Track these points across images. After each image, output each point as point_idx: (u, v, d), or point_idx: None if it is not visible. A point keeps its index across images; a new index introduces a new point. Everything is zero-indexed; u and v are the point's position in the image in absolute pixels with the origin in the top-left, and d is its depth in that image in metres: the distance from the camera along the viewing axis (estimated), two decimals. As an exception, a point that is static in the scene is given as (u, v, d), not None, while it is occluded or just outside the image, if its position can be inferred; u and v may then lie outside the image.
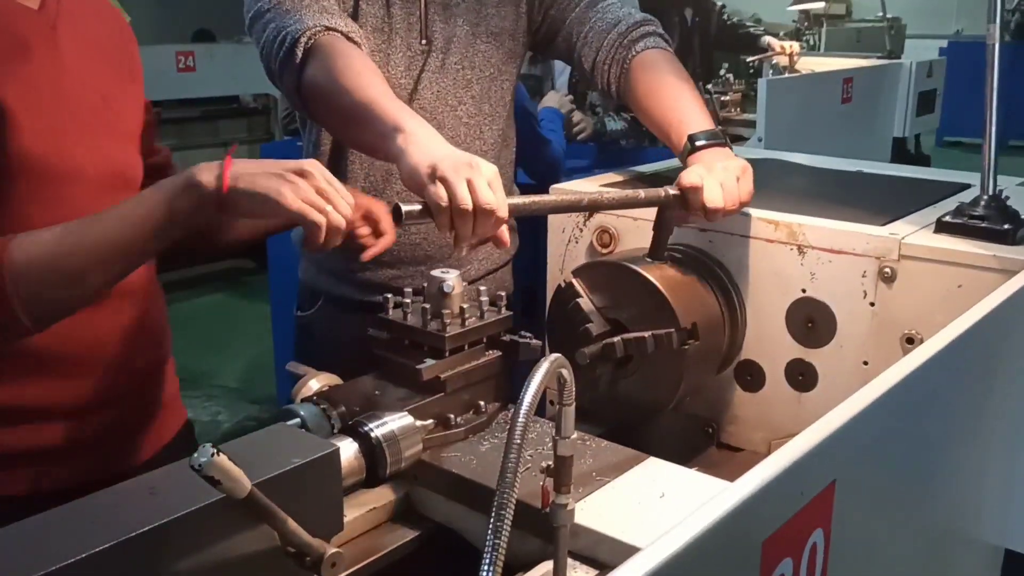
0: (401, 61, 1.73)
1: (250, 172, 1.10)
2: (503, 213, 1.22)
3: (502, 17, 1.81)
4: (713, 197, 1.39)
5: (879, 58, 5.69)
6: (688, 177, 1.42)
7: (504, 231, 1.26)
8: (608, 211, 1.63)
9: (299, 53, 1.50)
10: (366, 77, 1.45)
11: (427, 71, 1.74)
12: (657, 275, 1.42)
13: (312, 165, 1.13)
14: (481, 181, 1.20)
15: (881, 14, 6.65)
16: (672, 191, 1.42)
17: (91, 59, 1.33)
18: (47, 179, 1.24)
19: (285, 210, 1.09)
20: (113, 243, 1.13)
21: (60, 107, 1.27)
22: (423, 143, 1.28)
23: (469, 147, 1.76)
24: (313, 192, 1.11)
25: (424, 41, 1.73)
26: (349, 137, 1.61)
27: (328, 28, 1.51)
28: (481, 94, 1.81)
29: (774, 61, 4.88)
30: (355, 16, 1.69)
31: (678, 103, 1.62)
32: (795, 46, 5.08)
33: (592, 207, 1.41)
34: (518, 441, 0.84)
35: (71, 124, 1.28)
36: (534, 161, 2.88)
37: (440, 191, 1.20)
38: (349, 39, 1.53)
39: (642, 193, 1.43)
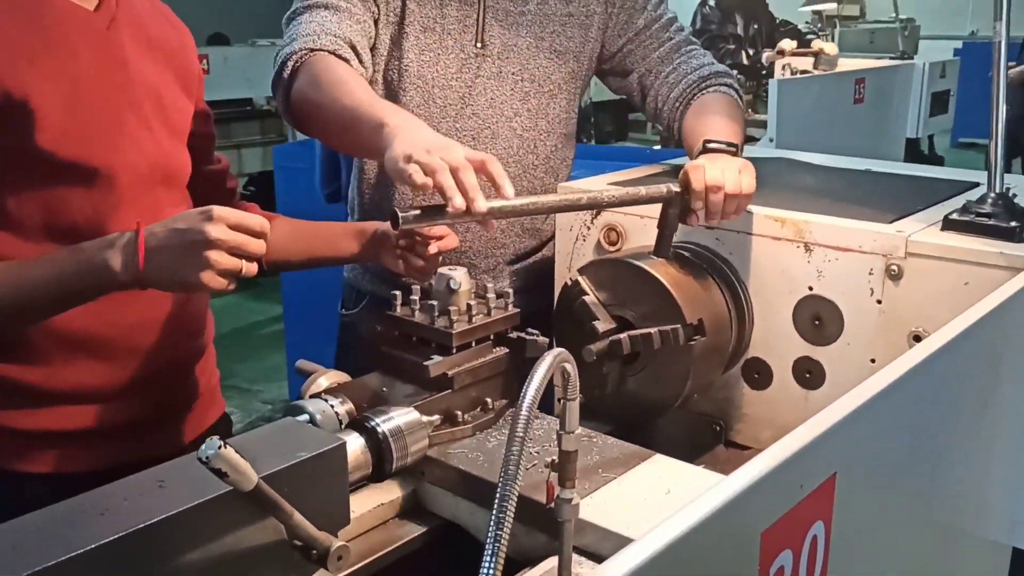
0: (453, 63, 1.72)
1: (160, 252, 1.13)
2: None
3: (568, 37, 1.80)
4: (714, 175, 1.40)
5: (892, 59, 5.68)
6: (691, 163, 1.45)
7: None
8: (613, 209, 1.63)
9: (286, 74, 1.55)
10: (349, 85, 1.47)
11: (481, 76, 1.74)
12: (662, 272, 1.42)
13: (217, 214, 1.12)
14: (456, 153, 1.21)
15: (894, 15, 6.64)
16: (675, 187, 1.43)
17: (147, 59, 1.37)
18: (88, 170, 1.27)
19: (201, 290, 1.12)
20: (39, 291, 1.18)
21: (107, 102, 1.30)
22: (405, 134, 1.28)
23: (521, 160, 1.78)
24: (225, 257, 1.11)
25: (479, 44, 1.73)
26: (343, 144, 1.64)
27: (313, 49, 1.55)
28: (538, 108, 1.79)
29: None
30: (403, 16, 1.70)
31: (710, 129, 1.63)
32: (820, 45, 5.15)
33: (592, 205, 1.42)
34: (520, 434, 0.84)
35: (119, 118, 1.31)
36: None
37: (414, 168, 1.20)
38: (337, 55, 1.56)
39: (643, 190, 1.43)
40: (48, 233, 1.26)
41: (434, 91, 1.72)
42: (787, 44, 4.86)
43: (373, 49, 1.69)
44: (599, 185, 1.74)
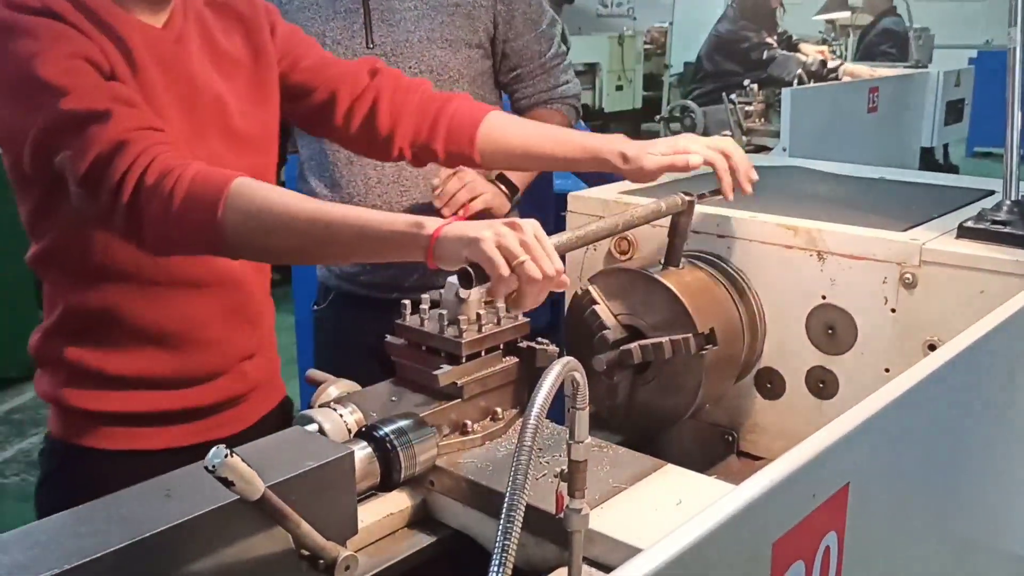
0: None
1: (464, 223, 1.13)
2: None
3: (457, 27, 1.91)
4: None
5: (906, 67, 5.65)
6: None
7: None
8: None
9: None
10: None
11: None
12: (673, 281, 1.41)
13: (525, 221, 1.12)
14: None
15: (909, 25, 6.61)
16: (688, 197, 1.43)
17: (213, 70, 1.42)
18: None
19: (481, 252, 1.08)
20: (324, 226, 1.19)
21: (166, 112, 1.34)
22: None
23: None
24: (516, 243, 1.09)
25: (370, 46, 1.85)
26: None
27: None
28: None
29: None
30: None
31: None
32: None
33: (627, 227, 1.42)
34: (528, 443, 0.84)
35: (180, 124, 1.35)
36: None
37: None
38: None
39: (663, 205, 1.44)
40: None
41: None
42: (863, 69, 4.95)
43: None
44: (611, 194, 1.73)
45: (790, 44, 5.47)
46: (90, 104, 1.21)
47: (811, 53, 5.20)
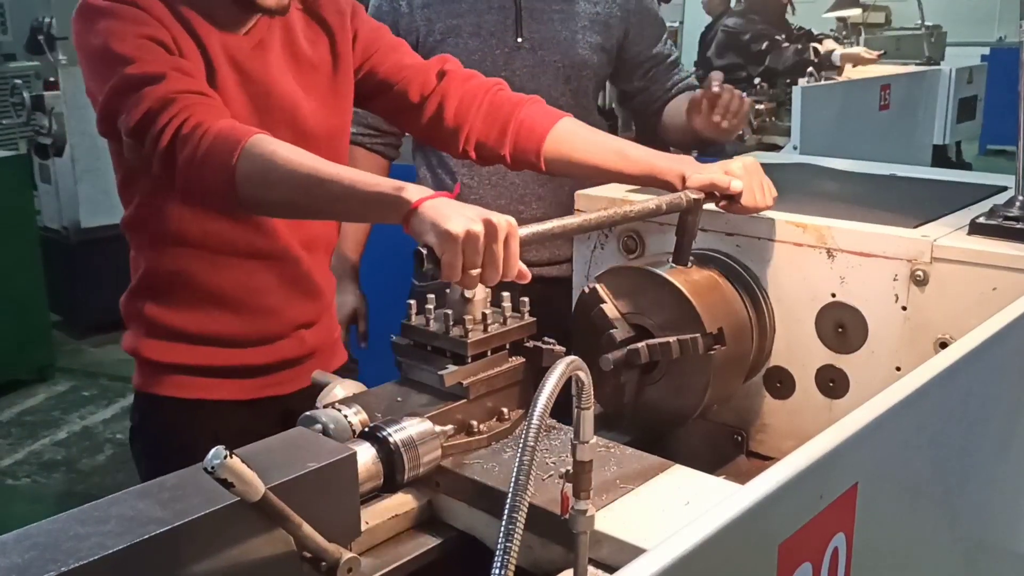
0: (500, 57, 2.05)
1: (446, 204, 1.17)
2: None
3: (596, 32, 2.12)
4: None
5: (917, 64, 5.62)
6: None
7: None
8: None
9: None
10: None
11: (527, 65, 2.06)
12: (681, 279, 1.40)
13: (502, 222, 1.15)
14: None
15: (920, 22, 6.57)
16: (692, 195, 1.42)
17: (289, 74, 1.56)
18: None
19: (443, 249, 1.13)
20: (323, 182, 1.27)
21: (237, 104, 1.48)
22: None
23: None
24: (479, 252, 1.13)
25: (519, 39, 2.06)
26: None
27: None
28: (577, 90, 2.12)
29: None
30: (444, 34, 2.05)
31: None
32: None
33: (617, 221, 1.41)
34: (531, 444, 0.82)
35: (248, 119, 1.46)
36: None
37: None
38: None
39: (663, 200, 1.43)
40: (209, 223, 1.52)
41: None
42: (863, 52, 4.91)
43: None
44: (617, 191, 1.72)
45: (810, 37, 5.45)
46: (149, 69, 1.36)
47: (834, 48, 5.18)
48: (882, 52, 5.58)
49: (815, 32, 5.72)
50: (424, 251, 1.14)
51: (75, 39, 1.45)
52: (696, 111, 1.96)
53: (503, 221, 1.15)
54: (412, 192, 1.19)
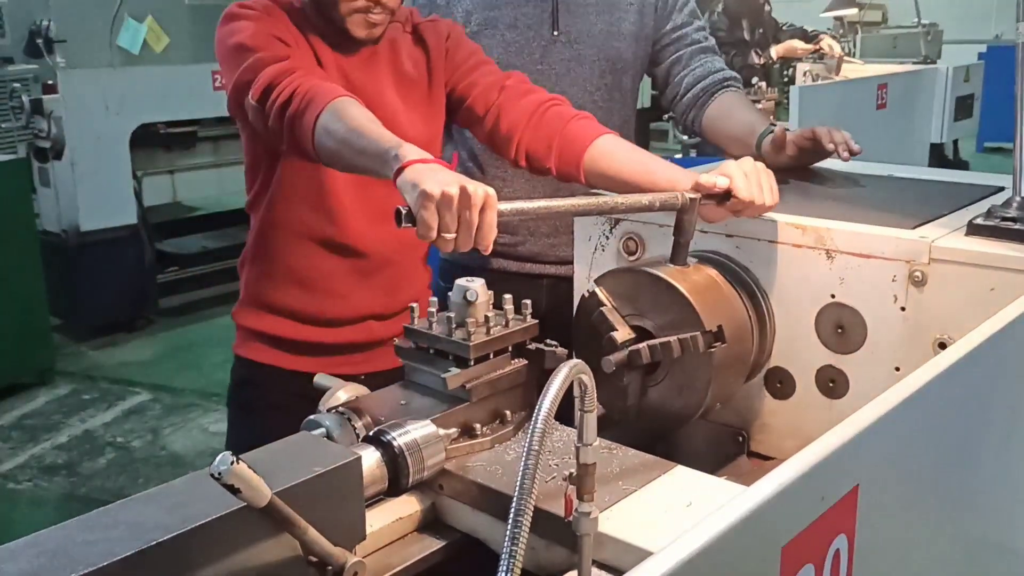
0: (536, 50, 2.07)
1: (430, 168, 1.27)
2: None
3: (631, 22, 2.13)
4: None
5: (915, 63, 5.63)
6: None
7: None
8: (629, 217, 1.63)
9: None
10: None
11: (563, 59, 2.08)
12: (680, 279, 1.40)
13: (479, 190, 1.22)
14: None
15: (916, 20, 6.58)
16: (689, 194, 1.42)
17: (392, 89, 1.78)
18: (311, 167, 1.67)
19: (419, 208, 1.22)
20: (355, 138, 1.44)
21: None
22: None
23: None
24: (454, 216, 1.22)
25: (556, 32, 2.08)
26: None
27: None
28: (613, 84, 2.13)
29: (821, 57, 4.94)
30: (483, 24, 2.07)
31: (753, 118, 2.01)
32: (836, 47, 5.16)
33: (605, 211, 1.43)
34: (536, 447, 0.83)
35: None
36: None
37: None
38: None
39: (657, 199, 1.43)
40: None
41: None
42: (797, 44, 4.87)
43: None
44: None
45: (804, 34, 5.47)
46: (272, 53, 1.61)
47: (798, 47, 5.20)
48: (847, 52, 5.62)
49: (809, 30, 5.73)
50: (404, 210, 1.23)
51: (217, 43, 1.69)
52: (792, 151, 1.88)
53: (480, 190, 1.22)
54: (407, 152, 1.30)
